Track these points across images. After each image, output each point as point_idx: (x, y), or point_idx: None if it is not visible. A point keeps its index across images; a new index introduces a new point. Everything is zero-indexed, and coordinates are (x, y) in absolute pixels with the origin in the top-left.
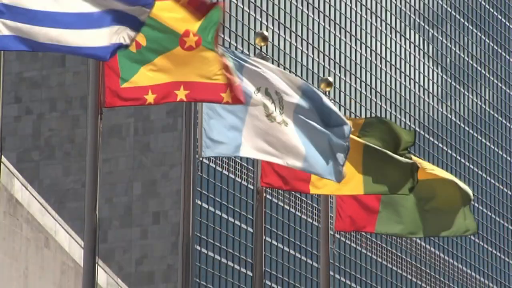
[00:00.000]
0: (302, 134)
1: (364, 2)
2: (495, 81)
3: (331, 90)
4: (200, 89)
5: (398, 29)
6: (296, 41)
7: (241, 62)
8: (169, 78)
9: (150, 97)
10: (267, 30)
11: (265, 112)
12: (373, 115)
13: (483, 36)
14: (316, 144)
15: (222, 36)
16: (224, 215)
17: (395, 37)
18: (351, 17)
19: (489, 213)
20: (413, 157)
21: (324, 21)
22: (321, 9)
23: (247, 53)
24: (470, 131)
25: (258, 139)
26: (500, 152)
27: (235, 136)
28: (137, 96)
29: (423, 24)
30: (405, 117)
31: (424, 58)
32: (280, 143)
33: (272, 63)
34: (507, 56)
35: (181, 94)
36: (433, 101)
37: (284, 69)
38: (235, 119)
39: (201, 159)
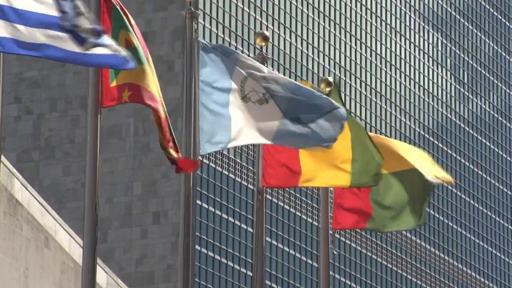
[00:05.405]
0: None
1: (364, 2)
2: (499, 84)
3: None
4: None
5: (398, 29)
6: (296, 41)
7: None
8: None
9: (126, 95)
10: (267, 30)
11: (240, 95)
12: (374, 116)
13: (483, 37)
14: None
15: (222, 36)
16: (224, 215)
17: (395, 37)
18: (351, 17)
19: (489, 213)
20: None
21: (324, 21)
22: (321, 9)
23: (247, 53)
24: (471, 131)
25: (243, 125)
26: (501, 153)
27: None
28: (118, 94)
29: (423, 25)
30: (405, 118)
31: (424, 59)
32: (254, 123)
33: (272, 63)
34: (510, 58)
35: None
36: (433, 102)
37: (284, 69)
38: (222, 113)
39: (200, 158)
